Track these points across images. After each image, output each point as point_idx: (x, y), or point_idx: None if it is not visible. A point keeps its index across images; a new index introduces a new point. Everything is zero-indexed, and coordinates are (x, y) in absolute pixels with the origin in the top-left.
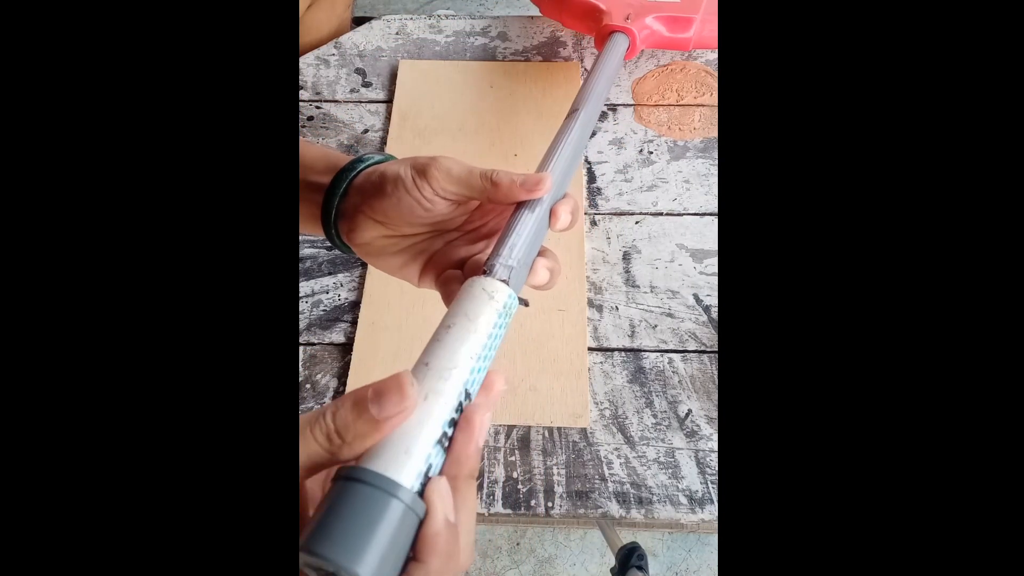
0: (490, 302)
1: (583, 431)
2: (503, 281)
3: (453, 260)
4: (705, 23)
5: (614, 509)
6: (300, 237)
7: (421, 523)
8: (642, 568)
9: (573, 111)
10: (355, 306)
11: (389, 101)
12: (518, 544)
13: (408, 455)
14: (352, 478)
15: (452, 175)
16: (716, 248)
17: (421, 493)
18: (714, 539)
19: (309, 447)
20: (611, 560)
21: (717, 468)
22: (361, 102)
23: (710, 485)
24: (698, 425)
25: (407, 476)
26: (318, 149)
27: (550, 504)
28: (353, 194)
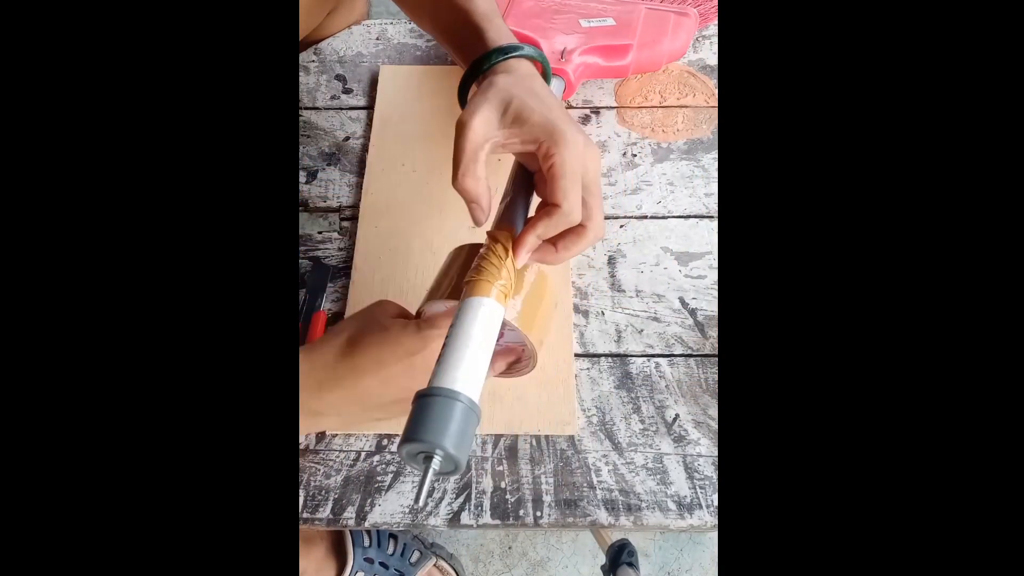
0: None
1: (571, 439)
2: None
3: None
4: (643, 48)
5: (603, 517)
6: None
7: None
8: (632, 564)
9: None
10: (338, 317)
11: (370, 107)
12: (510, 548)
13: (458, 370)
14: (425, 395)
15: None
16: (701, 251)
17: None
18: (705, 538)
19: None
20: (603, 561)
21: (717, 471)
22: (342, 109)
23: (698, 490)
24: (686, 430)
25: (461, 384)
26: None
27: (539, 514)
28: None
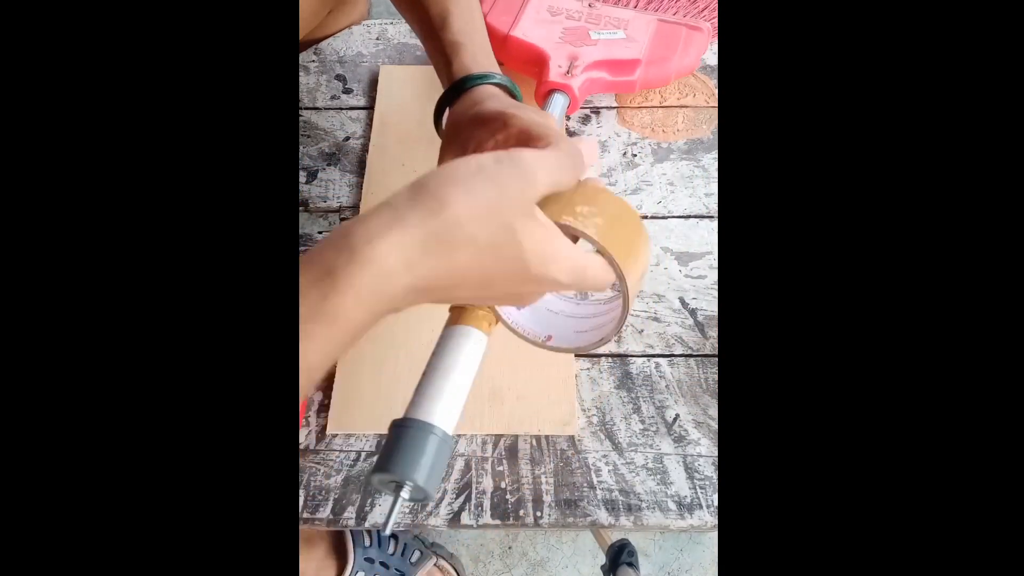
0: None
1: (571, 439)
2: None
3: None
4: (651, 64)
5: (603, 517)
6: None
7: None
8: (632, 565)
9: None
10: None
11: (370, 107)
12: (510, 548)
13: (436, 401)
14: (400, 425)
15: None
16: (701, 251)
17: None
18: (705, 538)
19: None
20: (603, 561)
21: (717, 471)
22: (342, 109)
23: (698, 490)
24: (686, 430)
25: (438, 417)
26: (481, 36)
27: (539, 514)
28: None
